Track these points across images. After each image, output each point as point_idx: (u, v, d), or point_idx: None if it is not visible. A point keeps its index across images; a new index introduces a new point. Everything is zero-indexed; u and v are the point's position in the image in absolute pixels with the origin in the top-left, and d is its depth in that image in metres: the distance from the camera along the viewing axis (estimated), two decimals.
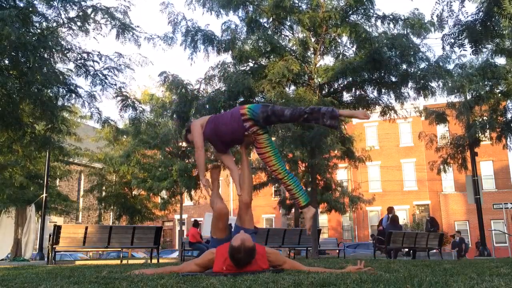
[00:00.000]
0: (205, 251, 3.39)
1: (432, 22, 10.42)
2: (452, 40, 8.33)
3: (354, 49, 11.90)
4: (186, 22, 11.36)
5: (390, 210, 13.52)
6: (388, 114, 12.51)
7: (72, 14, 9.47)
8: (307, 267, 3.36)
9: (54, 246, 9.04)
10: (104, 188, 22.72)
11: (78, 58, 9.84)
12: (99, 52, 9.94)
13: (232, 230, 3.73)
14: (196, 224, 13.55)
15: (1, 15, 7.22)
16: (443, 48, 8.71)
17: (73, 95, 9.89)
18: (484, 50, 14.08)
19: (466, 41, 8.19)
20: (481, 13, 7.89)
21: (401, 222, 14.48)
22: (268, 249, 3.34)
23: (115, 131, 11.40)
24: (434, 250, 13.68)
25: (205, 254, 3.30)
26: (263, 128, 3.65)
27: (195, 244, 12.92)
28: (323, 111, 3.44)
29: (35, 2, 8.98)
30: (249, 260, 3.09)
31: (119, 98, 10.43)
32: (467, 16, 8.14)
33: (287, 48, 11.78)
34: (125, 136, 21.34)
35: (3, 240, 18.55)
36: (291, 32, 12.25)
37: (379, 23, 11.62)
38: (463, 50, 8.50)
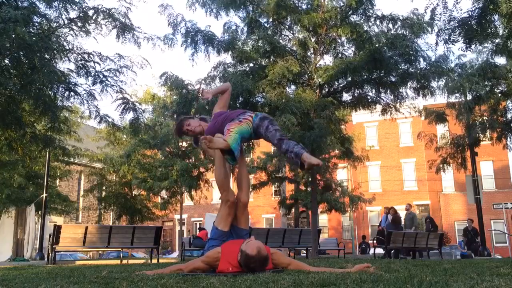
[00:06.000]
0: (211, 249, 3.36)
1: (430, 22, 10.39)
2: (447, 36, 8.30)
3: (353, 49, 11.91)
4: (186, 23, 11.36)
5: (389, 210, 13.56)
6: (389, 112, 12.51)
7: (73, 14, 9.50)
8: (312, 267, 3.34)
9: (54, 246, 9.04)
10: (104, 188, 22.72)
11: (79, 59, 9.85)
12: (100, 53, 9.96)
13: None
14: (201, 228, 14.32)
15: (13, 16, 7.22)
16: (437, 43, 8.66)
17: (72, 94, 9.91)
18: (484, 50, 14.11)
19: (460, 37, 8.18)
20: (477, 10, 7.88)
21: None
22: (273, 251, 3.32)
23: (111, 126, 11.42)
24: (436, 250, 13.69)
25: (211, 253, 3.27)
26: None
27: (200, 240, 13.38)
28: (290, 156, 3.35)
29: (36, 2, 9.00)
30: (262, 268, 3.05)
31: (119, 101, 10.46)
32: (463, 13, 8.14)
33: (287, 48, 11.78)
34: (124, 136, 21.35)
35: (4, 241, 18.54)
36: (291, 32, 12.25)
37: (378, 23, 11.62)
38: (452, 44, 8.43)
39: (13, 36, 7.27)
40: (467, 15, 8.04)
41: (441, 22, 8.47)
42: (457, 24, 8.09)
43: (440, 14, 8.19)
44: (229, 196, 3.60)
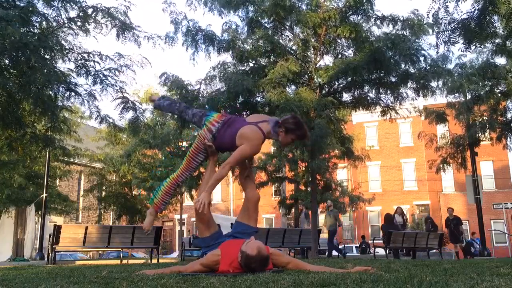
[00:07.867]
0: (210, 252, 3.34)
1: (430, 23, 10.38)
2: (447, 38, 8.31)
3: (353, 49, 11.90)
4: (188, 22, 11.35)
5: (396, 211, 13.64)
6: (389, 114, 12.51)
7: (73, 14, 9.50)
8: (311, 265, 3.34)
9: (54, 246, 9.04)
10: (104, 188, 22.73)
11: (79, 58, 9.85)
12: (99, 52, 9.95)
13: (226, 227, 3.71)
14: None
15: (5, 15, 7.22)
16: (437, 45, 8.66)
17: (73, 94, 9.91)
18: (484, 50, 14.12)
19: (460, 39, 8.18)
20: (476, 11, 7.88)
21: (400, 220, 14.45)
22: (273, 250, 3.31)
23: (113, 127, 11.43)
24: (435, 250, 13.71)
25: (210, 255, 3.25)
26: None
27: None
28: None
29: (35, 1, 8.99)
30: (263, 269, 3.05)
31: (119, 100, 10.46)
32: (462, 14, 8.15)
33: (287, 48, 11.77)
34: (124, 136, 21.36)
35: (4, 241, 18.53)
36: (291, 32, 12.25)
37: (379, 23, 11.61)
38: (452, 45, 8.44)
39: (7, 35, 7.26)
40: (467, 16, 8.04)
41: (442, 25, 8.47)
42: (456, 26, 8.10)
43: (442, 18, 8.20)
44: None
